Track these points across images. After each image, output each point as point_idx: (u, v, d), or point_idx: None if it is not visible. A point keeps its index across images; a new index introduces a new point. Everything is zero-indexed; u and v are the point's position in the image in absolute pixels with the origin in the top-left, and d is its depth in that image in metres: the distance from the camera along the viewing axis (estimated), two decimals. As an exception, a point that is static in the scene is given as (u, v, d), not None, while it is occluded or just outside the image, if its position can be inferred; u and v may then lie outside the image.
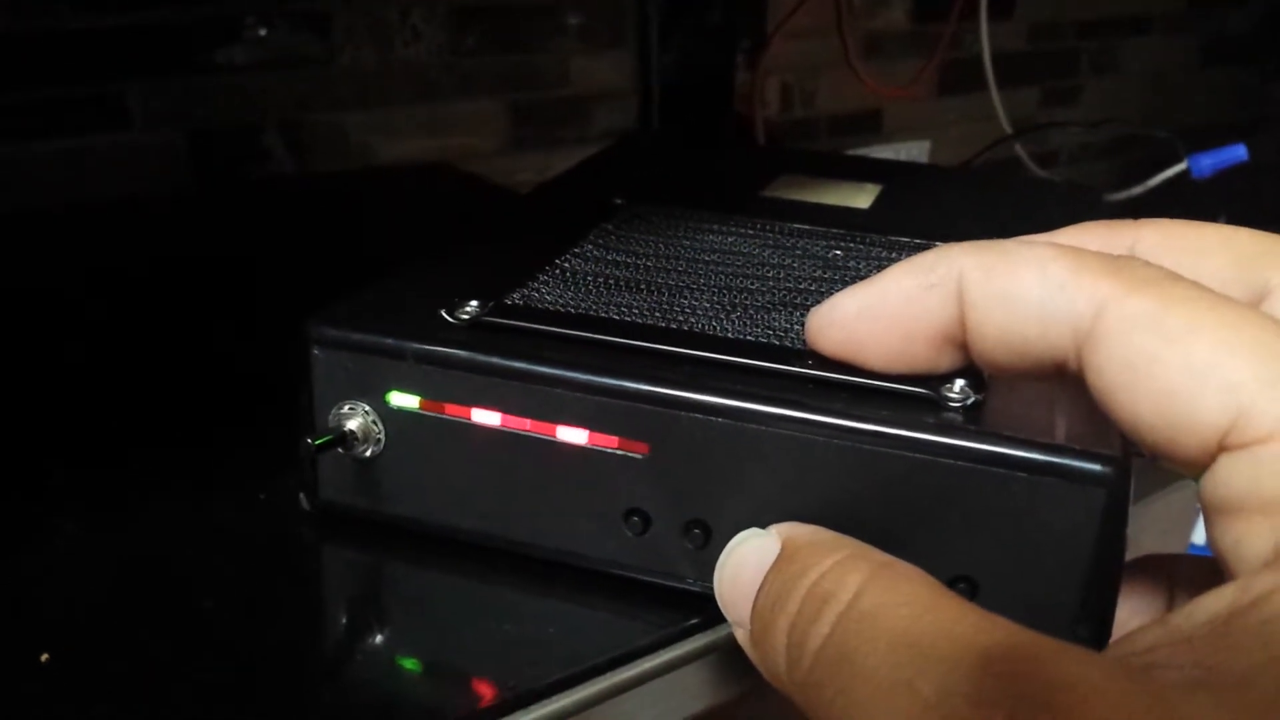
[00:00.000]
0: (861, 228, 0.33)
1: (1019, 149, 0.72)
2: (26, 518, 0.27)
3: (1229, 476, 0.17)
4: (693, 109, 0.70)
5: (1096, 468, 0.21)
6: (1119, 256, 0.19)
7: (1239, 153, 0.56)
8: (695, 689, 0.25)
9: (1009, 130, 0.70)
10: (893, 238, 0.32)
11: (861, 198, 0.38)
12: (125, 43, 0.53)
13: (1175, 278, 0.19)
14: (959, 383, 0.23)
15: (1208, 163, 0.57)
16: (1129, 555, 0.23)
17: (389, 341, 0.25)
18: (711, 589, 0.22)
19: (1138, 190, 0.59)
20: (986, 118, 0.73)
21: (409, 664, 0.24)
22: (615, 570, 0.25)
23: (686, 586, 0.24)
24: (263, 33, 0.56)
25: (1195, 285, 0.18)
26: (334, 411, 0.25)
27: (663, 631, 0.24)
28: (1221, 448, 0.17)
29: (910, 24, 0.80)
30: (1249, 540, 0.17)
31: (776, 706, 0.21)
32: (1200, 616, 0.16)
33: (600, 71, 0.68)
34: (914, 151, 0.82)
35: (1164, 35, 1.00)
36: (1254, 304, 0.20)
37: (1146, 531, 0.38)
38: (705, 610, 0.24)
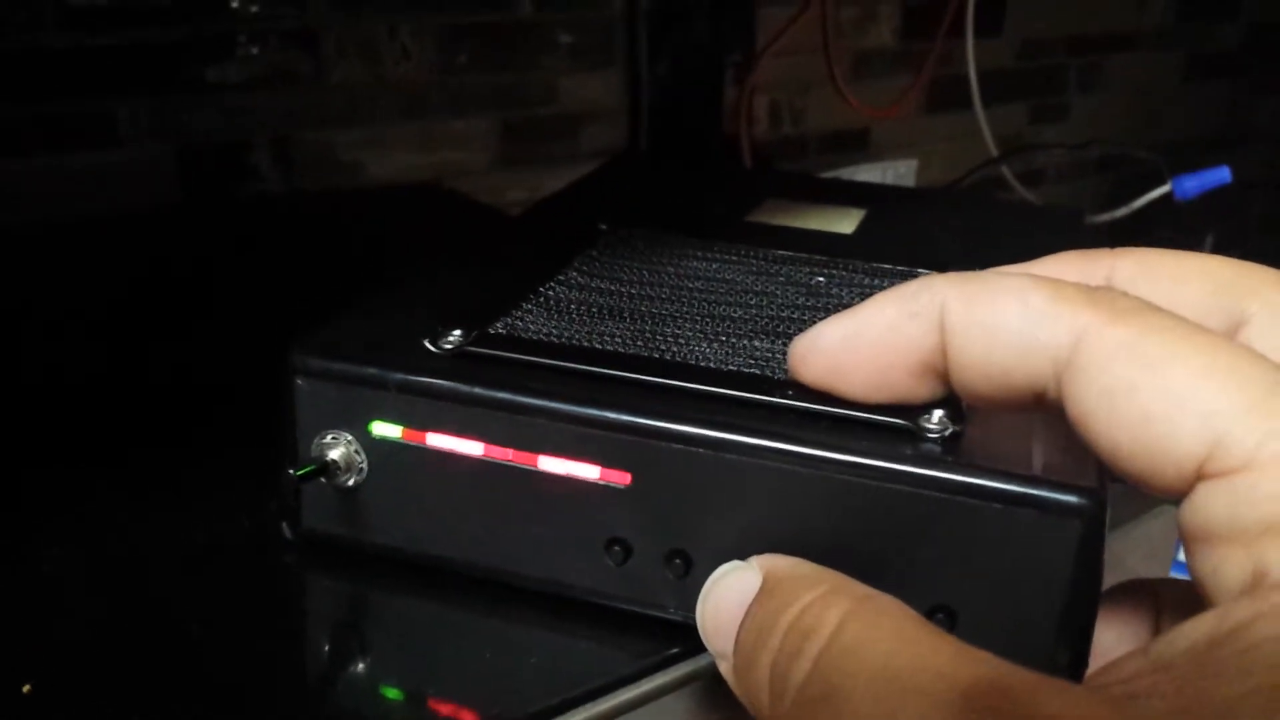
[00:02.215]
0: (845, 253, 0.33)
1: (1005, 170, 0.72)
2: (9, 540, 0.27)
3: (1207, 505, 0.17)
4: (682, 127, 0.70)
5: (1072, 499, 0.21)
6: (1098, 287, 0.20)
7: (1223, 175, 0.56)
8: (676, 717, 0.25)
9: (994, 151, 0.70)
10: (875, 264, 0.32)
11: (846, 223, 0.38)
12: (115, 60, 0.53)
13: (1153, 308, 0.19)
14: (937, 414, 0.23)
15: (1191, 185, 0.57)
16: (1114, 579, 0.23)
17: (372, 371, 0.25)
18: (692, 618, 0.22)
19: (1121, 212, 0.59)
20: (975, 135, 0.73)
21: (391, 692, 0.24)
22: (596, 599, 0.25)
23: (668, 616, 0.24)
24: (253, 50, 0.56)
25: (1173, 315, 0.19)
26: (316, 441, 0.25)
27: (644, 660, 0.24)
28: (1199, 476, 0.17)
29: (897, 43, 0.81)
30: (1226, 568, 0.17)
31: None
32: (1181, 644, 0.16)
33: (590, 90, 0.68)
34: (902, 170, 0.82)
35: (1152, 50, 1.00)
36: (1231, 333, 0.20)
37: (1131, 555, 0.38)
38: (686, 639, 0.24)
